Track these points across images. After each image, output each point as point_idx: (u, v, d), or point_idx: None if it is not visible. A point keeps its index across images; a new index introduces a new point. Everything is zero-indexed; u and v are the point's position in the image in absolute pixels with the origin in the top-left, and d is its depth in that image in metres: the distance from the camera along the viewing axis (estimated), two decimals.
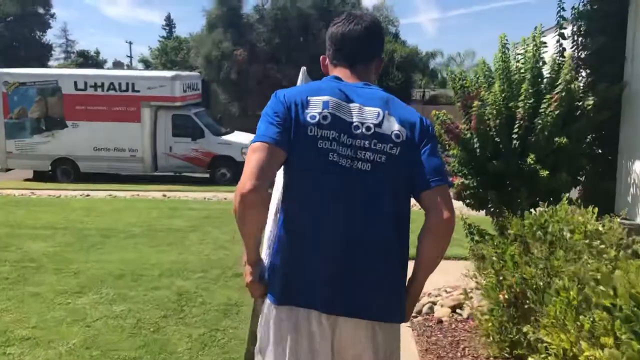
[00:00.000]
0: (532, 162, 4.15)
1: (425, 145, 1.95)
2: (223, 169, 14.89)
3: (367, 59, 2.05)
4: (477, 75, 4.99)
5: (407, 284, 2.01)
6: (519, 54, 4.90)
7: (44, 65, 39.89)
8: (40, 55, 43.15)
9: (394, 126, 1.90)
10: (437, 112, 4.77)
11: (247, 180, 1.78)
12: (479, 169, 4.43)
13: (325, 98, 1.89)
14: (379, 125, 1.89)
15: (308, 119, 1.87)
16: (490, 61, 4.90)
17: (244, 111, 29.84)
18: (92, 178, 15.44)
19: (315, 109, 1.88)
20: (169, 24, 58.11)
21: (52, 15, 45.66)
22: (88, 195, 12.28)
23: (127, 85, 15.54)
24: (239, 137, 15.56)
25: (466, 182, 4.44)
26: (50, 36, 58.37)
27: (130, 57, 53.61)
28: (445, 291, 4.86)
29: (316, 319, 1.84)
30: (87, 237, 7.84)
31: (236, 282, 5.54)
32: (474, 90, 4.65)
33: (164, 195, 12.18)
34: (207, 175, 15.28)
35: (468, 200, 4.56)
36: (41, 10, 44.34)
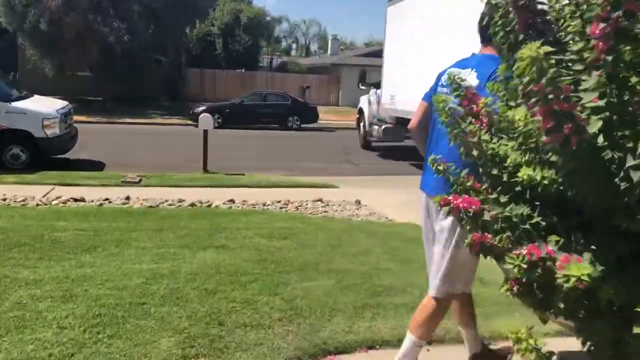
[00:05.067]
0: None
1: None
2: (15, 149, 10.75)
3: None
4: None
5: None
6: None
7: None
8: None
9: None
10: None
11: (413, 119, 3.23)
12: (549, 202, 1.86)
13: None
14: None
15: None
16: None
17: (61, 70, 24.68)
18: None
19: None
20: None
21: None
22: None
23: None
24: (40, 104, 10.82)
25: (510, 217, 1.82)
26: None
27: None
28: None
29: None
30: None
31: None
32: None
33: None
34: None
35: (517, 289, 1.93)
36: None
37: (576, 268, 1.53)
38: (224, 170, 10.25)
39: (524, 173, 1.62)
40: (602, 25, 1.40)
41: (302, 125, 22.16)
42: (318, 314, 3.62)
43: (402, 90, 11.58)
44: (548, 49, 1.37)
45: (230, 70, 34.62)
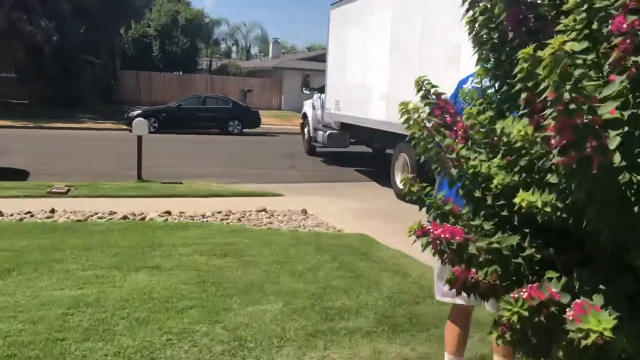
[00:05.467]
0: None
1: None
2: None
3: None
4: None
5: None
6: None
7: None
8: None
9: None
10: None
11: None
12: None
13: None
14: None
15: None
16: None
17: None
18: None
19: None
20: None
21: None
22: None
23: None
24: None
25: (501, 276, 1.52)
26: None
27: None
28: None
29: None
30: None
31: None
32: None
33: None
34: None
35: (510, 336, 1.60)
36: None
37: (596, 321, 1.23)
38: (160, 179, 9.66)
39: (522, 198, 1.30)
40: (632, 17, 1.11)
41: (244, 130, 21.63)
42: (265, 345, 3.23)
43: (347, 95, 11.34)
44: (575, 45, 1.06)
45: (168, 73, 33.58)
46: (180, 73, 34.35)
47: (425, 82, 1.76)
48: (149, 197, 8.07)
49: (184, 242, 5.33)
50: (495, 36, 1.65)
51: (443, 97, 1.73)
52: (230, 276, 4.34)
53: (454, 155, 1.51)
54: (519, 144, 1.39)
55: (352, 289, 4.14)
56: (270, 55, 43.48)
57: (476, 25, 1.68)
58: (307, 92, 15.20)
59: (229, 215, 7.14)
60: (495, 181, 1.42)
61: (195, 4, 59.16)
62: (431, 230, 1.42)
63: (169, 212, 7.01)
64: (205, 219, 6.83)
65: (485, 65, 1.81)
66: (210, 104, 22.28)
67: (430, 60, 8.00)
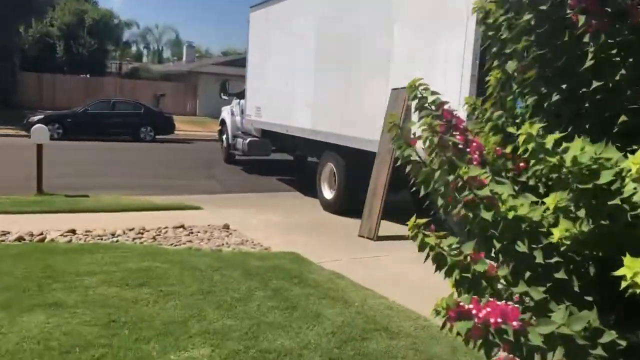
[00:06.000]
0: None
1: None
2: None
3: None
4: None
5: None
6: None
7: None
8: None
9: None
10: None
11: None
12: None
13: None
14: None
15: None
16: None
17: None
18: None
19: None
20: None
21: None
22: None
23: None
24: None
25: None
26: None
27: None
28: None
29: None
30: None
31: None
32: None
33: None
34: None
35: None
36: None
37: None
38: (64, 191, 8.68)
39: (630, 269, 0.87)
40: None
41: (157, 137, 20.51)
42: None
43: (268, 101, 10.82)
44: None
45: (74, 76, 31.47)
46: (88, 76, 32.33)
47: (422, 87, 1.32)
48: (51, 213, 7.16)
49: (90, 269, 4.60)
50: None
51: (447, 107, 1.30)
52: (147, 313, 3.71)
53: (485, 192, 1.07)
54: (607, 178, 0.96)
55: (290, 324, 3.64)
56: (184, 59, 42.11)
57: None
58: (226, 97, 14.53)
59: (143, 233, 6.43)
60: (557, 233, 0.98)
61: (103, 4, 56.48)
62: (473, 311, 0.97)
63: (73, 231, 6.20)
64: (115, 239, 6.08)
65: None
66: (120, 109, 20.91)
67: (359, 68, 7.68)
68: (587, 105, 1.12)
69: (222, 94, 14.69)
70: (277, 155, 13.06)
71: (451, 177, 1.17)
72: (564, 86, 1.16)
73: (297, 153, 12.41)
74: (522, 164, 1.22)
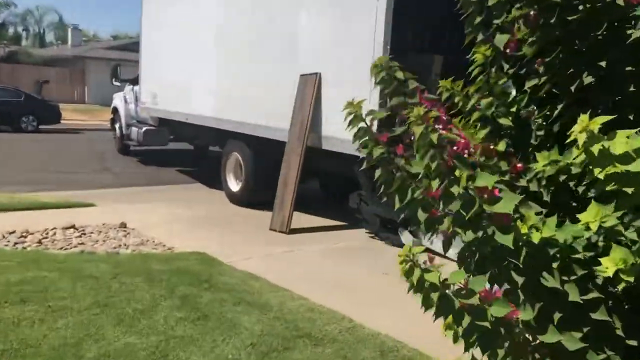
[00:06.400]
0: None
1: None
2: None
3: None
4: None
5: None
6: None
7: None
8: None
9: None
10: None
11: None
12: None
13: None
14: None
15: None
16: None
17: None
18: None
19: None
20: None
21: None
22: None
23: None
24: None
25: None
26: None
27: None
28: None
29: None
30: None
31: None
32: None
33: None
34: None
35: None
36: None
37: None
38: None
39: None
40: None
41: (40, 127, 18.88)
42: None
43: (167, 88, 10.12)
44: None
45: None
46: None
47: (392, 66, 1.01)
48: None
49: None
50: None
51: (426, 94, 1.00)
52: (32, 336, 3.14)
53: (500, 208, 0.77)
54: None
55: (204, 338, 3.23)
56: (69, 43, 39.33)
57: None
58: (118, 83, 13.53)
59: (26, 237, 5.69)
60: (610, 264, 0.70)
61: None
62: None
63: None
64: None
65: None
66: None
67: (264, 52, 7.28)
68: (632, 88, 0.87)
69: (113, 80, 13.67)
70: (176, 145, 12.39)
71: (439, 186, 0.87)
72: (603, 63, 0.88)
73: (197, 142, 11.82)
74: (519, 165, 0.95)
